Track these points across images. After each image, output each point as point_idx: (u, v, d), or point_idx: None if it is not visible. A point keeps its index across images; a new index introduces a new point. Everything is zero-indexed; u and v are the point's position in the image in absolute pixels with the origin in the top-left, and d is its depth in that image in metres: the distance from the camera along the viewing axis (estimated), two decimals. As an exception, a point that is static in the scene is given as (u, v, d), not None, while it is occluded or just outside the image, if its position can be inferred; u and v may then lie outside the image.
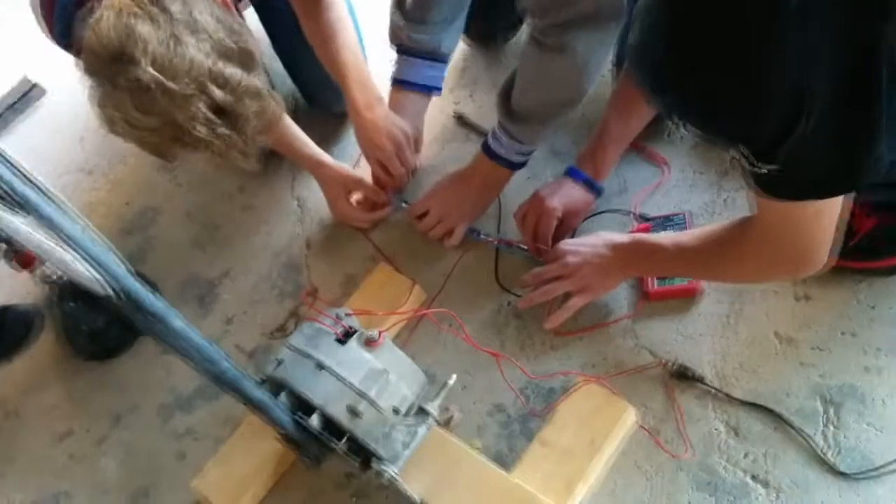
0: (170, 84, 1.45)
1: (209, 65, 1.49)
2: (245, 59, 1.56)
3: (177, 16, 1.48)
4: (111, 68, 1.47)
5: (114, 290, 1.23)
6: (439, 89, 2.10)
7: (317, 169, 2.08)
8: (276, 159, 2.23)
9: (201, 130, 1.50)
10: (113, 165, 2.46)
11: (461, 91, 2.28)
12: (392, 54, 2.11)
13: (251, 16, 2.15)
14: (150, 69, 1.44)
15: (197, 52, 1.48)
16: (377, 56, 2.17)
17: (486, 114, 2.20)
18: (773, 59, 1.13)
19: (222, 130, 1.53)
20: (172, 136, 1.52)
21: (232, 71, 1.52)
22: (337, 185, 2.08)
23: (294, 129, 2.05)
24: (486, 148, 1.94)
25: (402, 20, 2.01)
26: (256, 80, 1.57)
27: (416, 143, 2.11)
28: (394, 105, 2.07)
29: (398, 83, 2.08)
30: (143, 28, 1.44)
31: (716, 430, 1.64)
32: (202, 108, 1.49)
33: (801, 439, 1.59)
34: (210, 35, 1.51)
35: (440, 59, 2.07)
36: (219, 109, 1.52)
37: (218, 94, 1.50)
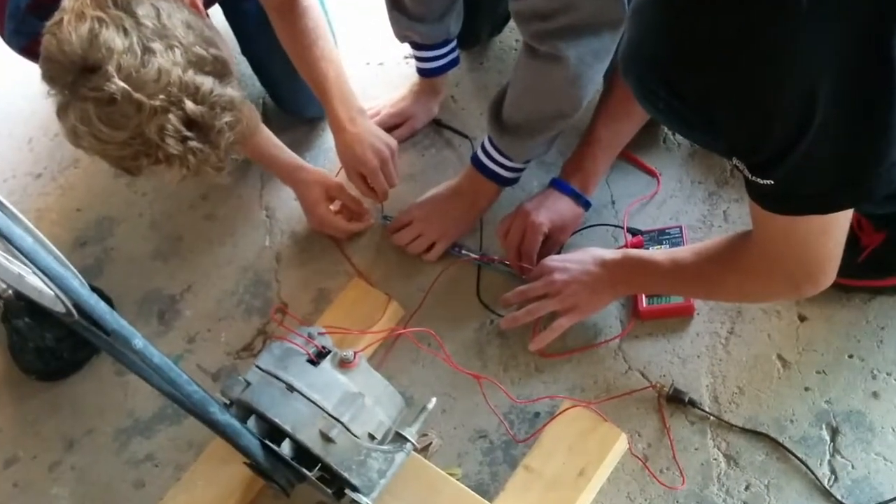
0: (138, 96, 1.43)
1: (180, 74, 1.46)
2: (218, 67, 1.54)
3: (144, 21, 1.45)
4: (74, 77, 1.44)
5: (73, 306, 1.22)
6: (458, 60, 2.15)
7: (295, 173, 2.05)
8: (244, 165, 2.21)
9: (172, 145, 1.48)
10: (63, 169, 2.42)
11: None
12: (368, 57, 2.19)
13: (217, 13, 2.12)
14: (118, 80, 1.41)
15: (167, 60, 1.45)
16: (351, 59, 2.19)
17: (468, 118, 2.21)
18: (780, 61, 1.13)
19: (195, 145, 1.50)
20: (140, 150, 1.49)
21: (204, 81, 1.50)
22: (318, 189, 2.04)
23: (268, 133, 2.04)
24: (474, 161, 1.93)
25: (406, 20, 2.00)
26: (230, 90, 1.55)
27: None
28: (428, 90, 2.17)
29: (426, 73, 2.14)
30: (109, 34, 1.42)
31: (714, 459, 1.63)
32: (173, 121, 1.47)
33: (804, 470, 1.59)
34: (181, 42, 1.48)
35: (451, 40, 2.09)
36: (191, 122, 1.49)
37: (190, 106, 1.47)
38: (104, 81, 1.42)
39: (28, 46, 1.81)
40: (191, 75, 1.48)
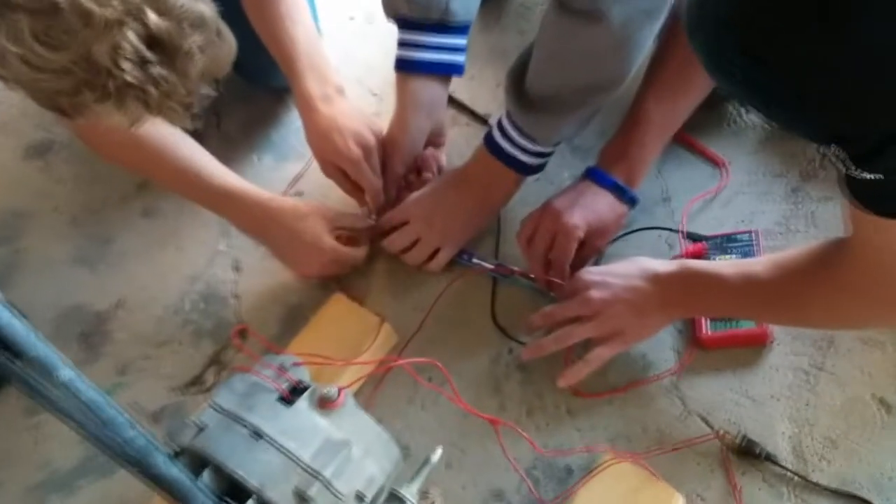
0: (88, 4, 1.40)
1: None
2: None
3: None
4: None
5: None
6: (460, 67, 2.02)
7: (268, 203, 2.00)
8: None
9: (129, 70, 1.44)
10: (-42, 151, 2.45)
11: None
12: (352, 10, 2.21)
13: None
14: None
15: None
16: (331, 13, 2.24)
17: (483, 91, 2.23)
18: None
19: (158, 71, 1.47)
20: (85, 79, 1.46)
21: None
22: (318, 219, 2.00)
23: (221, 166, 2.00)
24: (488, 142, 1.93)
25: None
26: (202, 4, 1.52)
27: (438, 139, 2.07)
28: (404, 97, 2.01)
29: (404, 66, 2.00)
30: None
31: (796, 528, 1.66)
32: (131, 38, 1.43)
33: (911, 544, 1.62)
34: None
35: (454, 26, 1.97)
36: (153, 41, 1.46)
37: (153, 18, 1.45)
38: None
39: None
40: None
